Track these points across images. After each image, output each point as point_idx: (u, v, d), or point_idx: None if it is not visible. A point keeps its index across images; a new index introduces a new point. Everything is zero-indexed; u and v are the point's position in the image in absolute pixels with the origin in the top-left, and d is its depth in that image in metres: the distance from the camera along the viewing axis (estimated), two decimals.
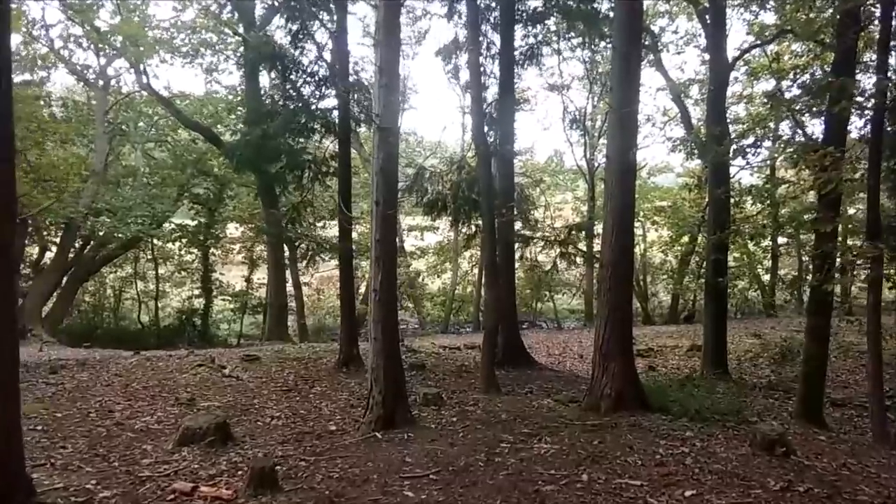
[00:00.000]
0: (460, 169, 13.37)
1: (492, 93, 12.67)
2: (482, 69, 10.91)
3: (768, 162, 21.35)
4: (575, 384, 11.62)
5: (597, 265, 27.91)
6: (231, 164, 12.60)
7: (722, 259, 14.15)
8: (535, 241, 11.58)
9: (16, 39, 24.10)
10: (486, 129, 11.46)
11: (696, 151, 13.76)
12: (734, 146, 11.37)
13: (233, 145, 12.20)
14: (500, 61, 12.13)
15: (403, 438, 6.40)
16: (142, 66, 19.82)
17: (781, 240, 27.70)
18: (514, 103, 12.39)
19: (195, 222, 26.32)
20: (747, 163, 12.66)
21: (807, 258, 30.22)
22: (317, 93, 11.40)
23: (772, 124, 13.70)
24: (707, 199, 24.06)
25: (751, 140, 13.36)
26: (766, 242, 27.13)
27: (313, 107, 11.39)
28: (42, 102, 23.30)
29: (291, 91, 11.24)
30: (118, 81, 24.22)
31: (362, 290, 24.00)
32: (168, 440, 6.85)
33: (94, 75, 23.40)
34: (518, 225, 13.65)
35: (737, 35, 42.45)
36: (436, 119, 57.74)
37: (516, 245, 12.98)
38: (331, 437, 6.96)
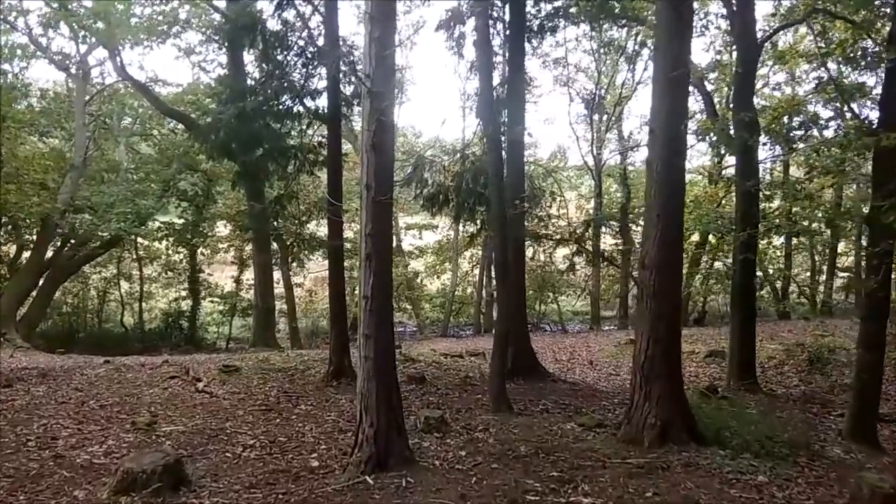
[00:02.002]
0: (464, 159, 12.04)
1: (496, 78, 11.35)
2: (490, 40, 9.53)
3: (781, 159, 20.05)
4: (595, 400, 10.30)
5: (604, 265, 26.88)
6: (202, 149, 11.18)
7: (752, 258, 12.86)
8: (547, 238, 10.27)
9: None
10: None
11: (720, 140, 12.41)
12: (774, 131, 10.03)
13: (204, 127, 10.80)
14: (509, 36, 10.78)
15: (400, 485, 5.05)
16: (117, 50, 18.41)
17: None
18: (523, 83, 11.02)
19: (182, 220, 24.94)
20: (791, 149, 11.31)
21: (819, 258, 29.04)
22: (303, 71, 10.02)
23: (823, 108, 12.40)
24: (723, 195, 22.98)
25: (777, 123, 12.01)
26: (780, 241, 25.87)
27: (298, 86, 9.99)
28: (18, 93, 21.92)
29: (274, 69, 9.85)
30: (102, 73, 22.86)
31: (357, 291, 22.66)
32: (108, 483, 5.50)
33: (74, 65, 22.02)
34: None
35: None
36: (435, 114, 56.33)
37: (526, 243, 11.59)
38: (311, 479, 5.61)
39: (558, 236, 10.63)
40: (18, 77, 22.45)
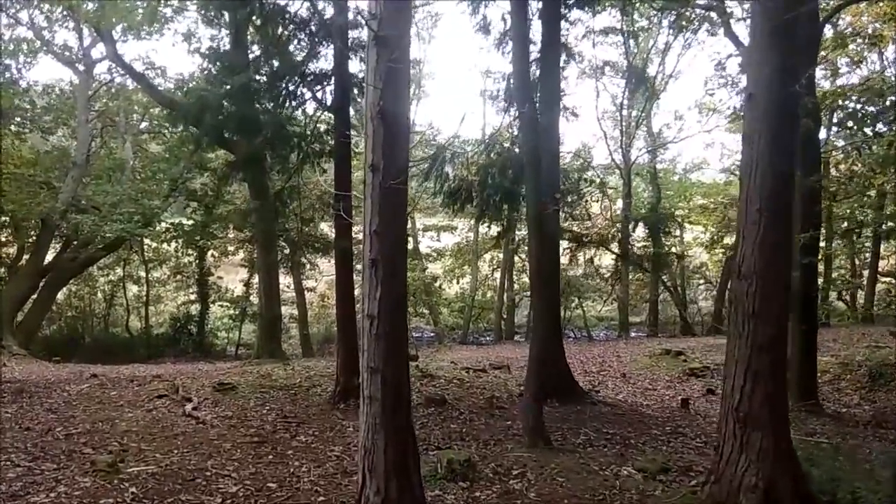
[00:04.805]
0: (489, 150, 10.63)
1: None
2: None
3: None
4: (643, 428, 8.83)
5: (632, 269, 25.26)
6: (178, 131, 9.84)
7: (814, 263, 11.35)
8: (588, 240, 8.87)
9: None
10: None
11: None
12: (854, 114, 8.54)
13: (185, 106, 9.44)
14: (543, 6, 9.33)
15: None
16: (110, 35, 17.23)
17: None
18: (559, 58, 9.52)
19: (191, 221, 23.76)
20: (873, 133, 9.80)
21: (859, 261, 27.21)
22: (304, 45, 8.67)
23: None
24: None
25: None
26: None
27: (300, 65, 8.64)
28: (19, 89, 20.85)
29: (269, 44, 8.51)
30: (110, 70, 21.70)
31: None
32: None
33: (77, 59, 20.95)
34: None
35: None
36: (454, 112, 54.94)
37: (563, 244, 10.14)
38: None
39: (598, 238, 9.18)
40: (21, 72, 21.38)
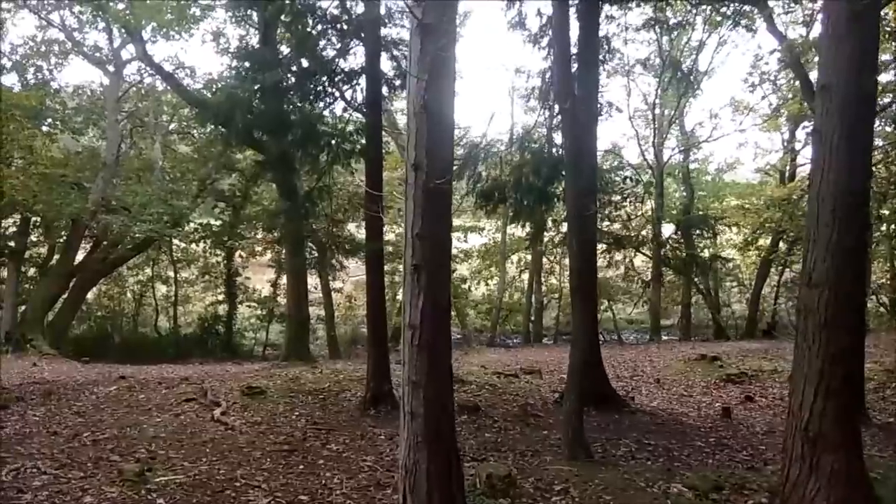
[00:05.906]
0: (523, 149, 10.31)
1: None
2: None
3: None
4: (685, 439, 8.45)
5: (665, 272, 24.70)
6: (206, 130, 9.66)
7: (863, 266, 10.82)
8: (628, 242, 8.51)
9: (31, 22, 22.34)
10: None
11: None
12: None
13: (213, 103, 9.27)
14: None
15: None
16: (140, 35, 17.21)
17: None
18: (597, 53, 9.14)
19: (219, 222, 23.79)
20: None
21: None
22: (335, 42, 8.44)
23: None
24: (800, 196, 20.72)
25: None
26: None
27: (330, 62, 8.42)
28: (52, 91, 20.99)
29: (300, 41, 8.30)
30: (140, 70, 21.77)
31: (399, 296, 21.09)
32: None
33: (107, 59, 21.04)
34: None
35: None
36: (479, 110, 54.45)
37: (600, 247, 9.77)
38: None
39: (636, 240, 8.80)
40: (52, 73, 21.53)
